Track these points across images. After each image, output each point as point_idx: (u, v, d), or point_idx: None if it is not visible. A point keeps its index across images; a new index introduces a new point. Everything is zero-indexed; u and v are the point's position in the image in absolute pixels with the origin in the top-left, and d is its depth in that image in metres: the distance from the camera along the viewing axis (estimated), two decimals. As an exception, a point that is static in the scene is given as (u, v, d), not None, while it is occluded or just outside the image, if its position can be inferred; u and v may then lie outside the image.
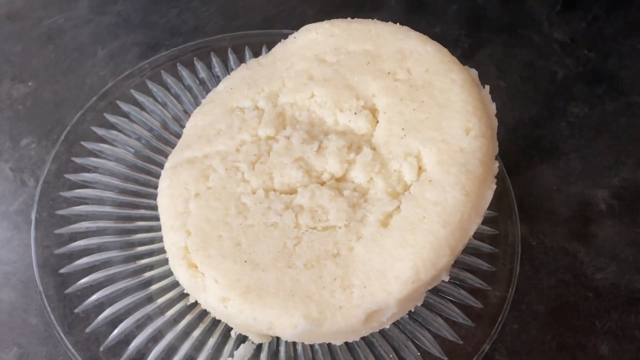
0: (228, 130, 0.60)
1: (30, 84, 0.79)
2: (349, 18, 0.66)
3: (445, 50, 0.59)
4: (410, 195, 0.52)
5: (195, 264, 0.53)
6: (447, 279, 0.52)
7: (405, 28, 0.62)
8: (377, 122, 0.57)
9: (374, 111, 0.58)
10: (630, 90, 0.86)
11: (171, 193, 0.58)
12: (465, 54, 0.89)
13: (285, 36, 0.81)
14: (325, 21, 0.66)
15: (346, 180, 0.56)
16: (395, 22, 0.65)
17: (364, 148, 0.55)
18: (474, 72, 0.58)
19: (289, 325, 0.49)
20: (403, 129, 0.55)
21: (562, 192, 0.75)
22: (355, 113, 0.57)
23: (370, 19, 0.65)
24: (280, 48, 0.66)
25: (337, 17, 0.94)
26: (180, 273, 0.54)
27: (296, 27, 0.91)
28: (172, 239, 0.55)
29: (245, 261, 0.52)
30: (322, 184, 0.55)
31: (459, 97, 0.55)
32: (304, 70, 0.62)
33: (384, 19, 0.95)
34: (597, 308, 0.67)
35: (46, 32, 0.84)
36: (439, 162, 0.52)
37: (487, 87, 0.57)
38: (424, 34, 0.62)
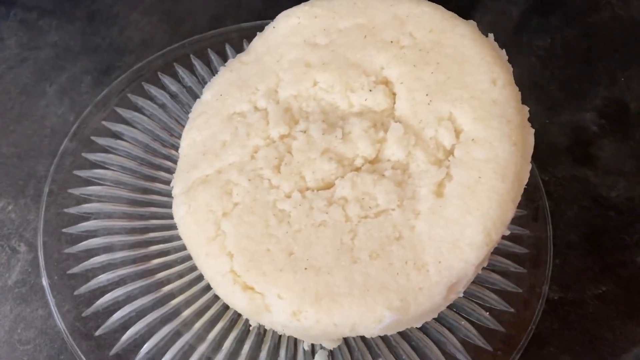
0: (235, 139, 0.56)
1: (-19, 141, 0.70)
2: (327, -5, 0.62)
3: (440, 7, 0.57)
4: (455, 159, 0.50)
5: (250, 286, 0.49)
6: (508, 232, 0.52)
7: (392, -7, 0.59)
8: (395, 94, 0.55)
9: (387, 84, 0.55)
10: (581, 13, 0.89)
11: (196, 219, 0.53)
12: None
13: (250, 30, 0.76)
14: (303, 3, 0.62)
15: (381, 160, 0.53)
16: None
17: (391, 123, 0.53)
18: (473, 23, 0.57)
19: (374, 321, 0.47)
20: (427, 95, 0.53)
21: (554, 123, 0.77)
22: (370, 90, 0.55)
23: (351, -8, 0.62)
24: (260, 42, 0.62)
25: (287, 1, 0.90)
26: (236, 300, 0.50)
27: (248, 20, 0.86)
28: (214, 267, 0.51)
29: (306, 268, 0.49)
30: (357, 170, 0.53)
31: (475, 51, 0.53)
32: (298, 58, 0.58)
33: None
34: (622, 224, 0.69)
35: (-20, 81, 0.75)
36: (476, 119, 0.50)
37: (491, 35, 0.56)
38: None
